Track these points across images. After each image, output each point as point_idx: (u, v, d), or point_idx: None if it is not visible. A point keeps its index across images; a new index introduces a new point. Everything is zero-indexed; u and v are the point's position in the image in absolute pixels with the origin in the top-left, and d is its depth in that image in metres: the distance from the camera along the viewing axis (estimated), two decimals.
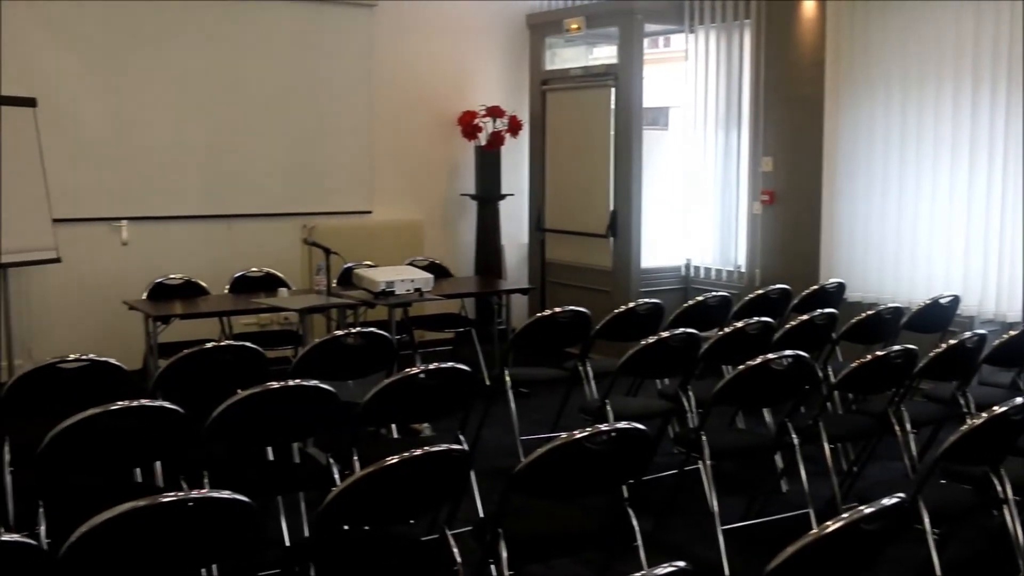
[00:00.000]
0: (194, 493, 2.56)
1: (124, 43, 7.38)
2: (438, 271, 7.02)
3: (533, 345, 5.60)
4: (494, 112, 8.54)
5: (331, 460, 3.84)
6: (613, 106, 7.96)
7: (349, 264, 6.83)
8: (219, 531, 2.65)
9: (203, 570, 3.40)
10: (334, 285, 6.15)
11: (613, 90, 7.94)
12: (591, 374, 5.51)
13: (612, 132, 7.98)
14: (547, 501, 3.45)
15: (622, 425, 3.18)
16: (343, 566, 3.10)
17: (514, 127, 8.59)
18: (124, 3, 7.32)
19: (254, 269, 6.73)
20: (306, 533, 4.43)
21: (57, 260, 6.88)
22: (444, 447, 2.94)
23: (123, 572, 2.62)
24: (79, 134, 7.27)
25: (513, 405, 5.48)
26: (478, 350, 7.22)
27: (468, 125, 8.51)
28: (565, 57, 8.85)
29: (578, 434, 3.11)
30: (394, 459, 2.84)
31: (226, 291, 6.57)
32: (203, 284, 6.46)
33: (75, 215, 7.22)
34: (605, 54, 8.68)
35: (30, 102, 6.87)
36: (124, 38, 7.38)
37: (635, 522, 3.45)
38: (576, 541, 3.52)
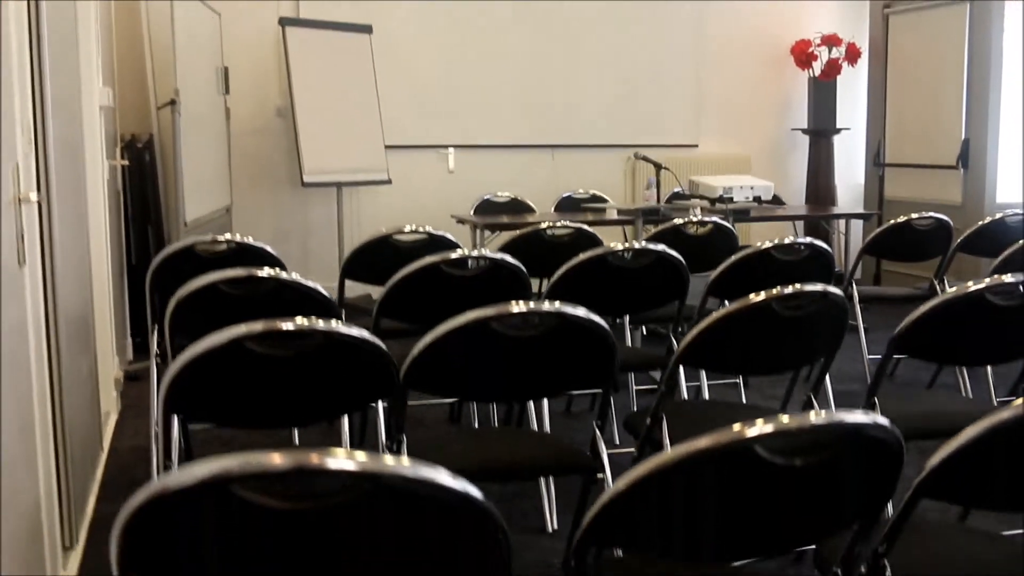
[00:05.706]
0: None
1: None
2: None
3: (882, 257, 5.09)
4: (830, 40, 7.98)
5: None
6: (967, 26, 7.22)
7: (677, 189, 6.54)
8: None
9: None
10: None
11: (968, 7, 7.20)
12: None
13: (966, 54, 7.24)
14: None
15: None
16: None
17: (852, 55, 7.99)
18: None
19: (580, 190, 6.56)
20: None
21: (388, 182, 6.98)
22: None
23: None
24: (409, 63, 7.34)
25: (861, 324, 5.00)
26: None
27: (802, 54, 7.99)
28: None
29: None
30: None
31: (551, 211, 6.43)
32: (529, 202, 6.34)
33: (405, 142, 7.32)
34: None
35: (366, 29, 6.99)
36: None
37: None
38: None
